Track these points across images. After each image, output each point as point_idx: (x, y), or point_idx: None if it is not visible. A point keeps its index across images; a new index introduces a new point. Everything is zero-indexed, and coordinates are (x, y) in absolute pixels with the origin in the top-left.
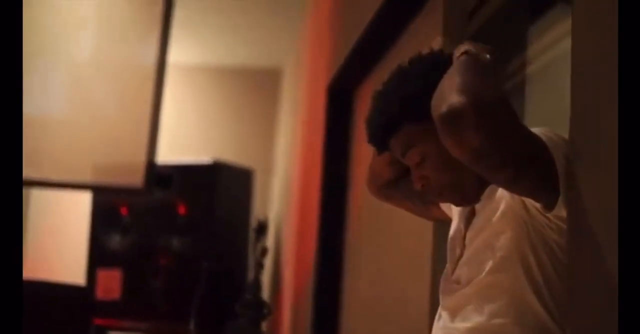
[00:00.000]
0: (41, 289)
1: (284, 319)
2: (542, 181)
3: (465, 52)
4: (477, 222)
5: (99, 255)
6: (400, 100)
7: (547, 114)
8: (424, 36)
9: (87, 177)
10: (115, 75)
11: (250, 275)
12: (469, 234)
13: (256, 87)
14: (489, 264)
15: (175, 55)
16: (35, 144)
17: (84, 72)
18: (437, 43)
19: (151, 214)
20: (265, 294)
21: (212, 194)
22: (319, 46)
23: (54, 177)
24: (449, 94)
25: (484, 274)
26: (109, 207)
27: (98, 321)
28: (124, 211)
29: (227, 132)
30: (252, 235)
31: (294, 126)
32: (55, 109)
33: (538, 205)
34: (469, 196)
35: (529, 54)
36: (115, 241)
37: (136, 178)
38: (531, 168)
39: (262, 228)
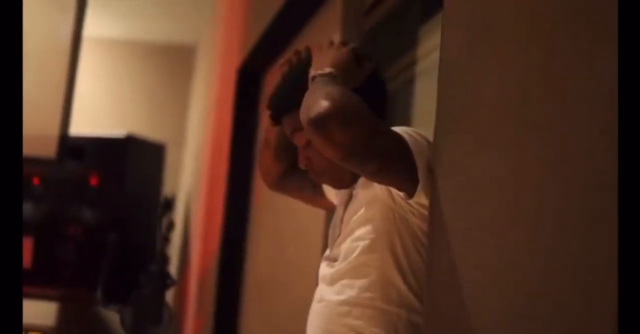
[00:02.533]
0: None
1: (190, 292)
2: (403, 173)
3: (314, 77)
4: (352, 206)
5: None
6: (293, 88)
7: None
8: (326, 28)
9: None
10: (31, 48)
11: (158, 248)
12: (345, 217)
13: (170, 63)
14: (361, 245)
15: (91, 28)
16: None
17: None
18: (336, 37)
19: (63, 185)
20: (173, 267)
21: (124, 167)
22: (232, 28)
23: None
24: (314, 104)
25: (356, 253)
26: (23, 179)
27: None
28: (36, 181)
29: (140, 107)
30: (159, 210)
31: (206, 103)
32: None
33: (402, 194)
34: (345, 180)
35: (419, 52)
36: (26, 209)
37: (49, 149)
38: (392, 162)
39: (168, 204)
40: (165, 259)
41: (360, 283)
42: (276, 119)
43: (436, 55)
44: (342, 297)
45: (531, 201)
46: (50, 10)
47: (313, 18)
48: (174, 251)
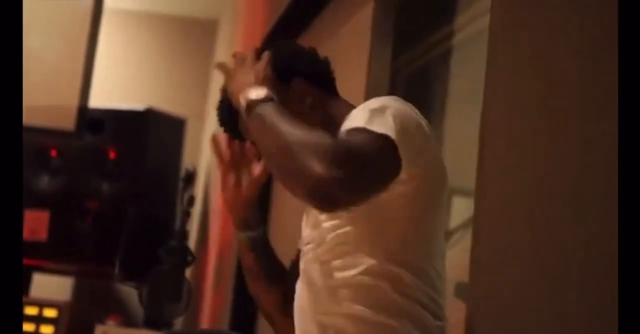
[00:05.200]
0: None
1: (209, 268)
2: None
3: (251, 104)
4: None
5: (26, 195)
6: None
7: (470, 84)
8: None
9: None
10: (50, 18)
11: (178, 223)
12: None
13: (192, 36)
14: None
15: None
16: None
17: None
18: (368, 10)
19: (81, 158)
20: (192, 242)
21: (143, 140)
22: (255, 1)
23: None
24: (296, 163)
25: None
26: (38, 148)
27: (24, 262)
28: (53, 153)
29: (161, 81)
30: (180, 184)
31: None
32: None
33: None
34: None
35: (456, 23)
36: (44, 182)
37: (68, 121)
38: (381, 178)
39: (189, 177)
40: (185, 235)
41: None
42: (231, 129)
43: (475, 25)
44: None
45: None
46: None
47: None
48: (193, 226)
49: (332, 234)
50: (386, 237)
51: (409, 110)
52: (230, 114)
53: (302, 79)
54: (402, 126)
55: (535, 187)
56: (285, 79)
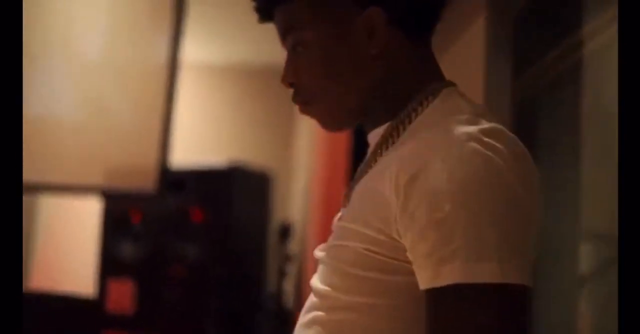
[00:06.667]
0: (49, 300)
1: None
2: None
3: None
4: (352, 201)
5: (109, 265)
6: None
7: (607, 100)
8: (467, 10)
9: (96, 181)
10: (127, 74)
11: (272, 284)
12: (361, 182)
13: (273, 86)
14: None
15: (191, 53)
16: (42, 148)
17: (94, 72)
18: (480, 24)
19: (164, 221)
20: (289, 303)
21: (228, 198)
22: None
23: (63, 182)
24: None
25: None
26: (120, 214)
27: None
28: (135, 217)
29: (244, 134)
30: (273, 240)
31: (314, 126)
32: (64, 111)
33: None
34: (343, 119)
35: (586, 31)
36: (127, 249)
37: (148, 182)
38: None
39: (285, 232)
40: (281, 296)
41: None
42: (266, 11)
43: (610, 32)
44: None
45: None
46: (146, 34)
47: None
48: (288, 286)
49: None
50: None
51: (513, 181)
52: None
53: (381, 11)
54: (517, 238)
55: None
56: (361, 6)
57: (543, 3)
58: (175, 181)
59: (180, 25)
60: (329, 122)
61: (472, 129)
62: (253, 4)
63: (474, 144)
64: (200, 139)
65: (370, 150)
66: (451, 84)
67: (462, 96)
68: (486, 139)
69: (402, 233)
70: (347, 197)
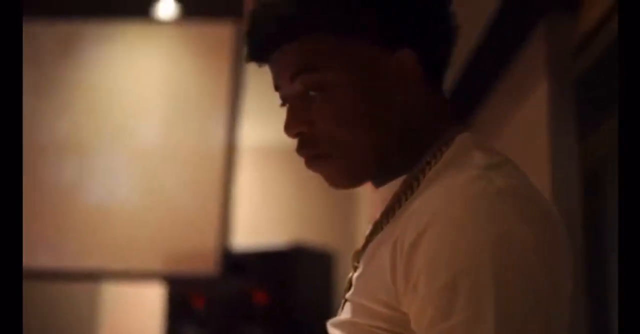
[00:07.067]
0: None
1: None
2: None
3: None
4: (366, 258)
5: None
6: None
7: None
8: (528, 74)
9: (157, 267)
10: (184, 159)
11: None
12: (371, 246)
13: None
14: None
15: (248, 135)
16: (103, 235)
17: (152, 158)
18: (544, 87)
19: (227, 304)
20: None
21: (291, 279)
22: None
23: (124, 268)
24: None
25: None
26: (183, 298)
27: None
28: (198, 302)
29: (304, 213)
30: None
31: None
32: (123, 197)
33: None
34: (358, 174)
35: None
36: None
37: (209, 266)
38: None
39: None
40: None
41: None
42: (268, 50)
43: None
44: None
45: None
46: (202, 118)
47: (513, 62)
48: None
49: None
50: None
51: (523, 249)
52: (277, 24)
53: (411, 52)
54: (523, 312)
55: None
56: (390, 47)
57: (605, 64)
58: (237, 264)
59: (236, 109)
60: (343, 178)
61: (480, 187)
62: (250, 39)
63: (479, 206)
64: (261, 220)
65: (381, 208)
66: (465, 128)
67: (477, 143)
68: (495, 199)
69: (408, 306)
70: (358, 257)
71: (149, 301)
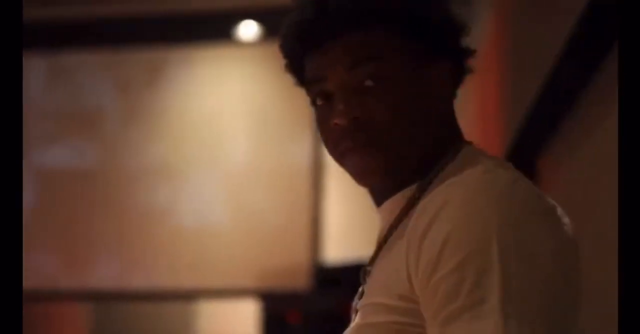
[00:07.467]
0: None
1: None
2: None
3: None
4: (381, 260)
5: None
6: None
7: None
8: (601, 102)
9: (250, 284)
10: (273, 177)
11: None
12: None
13: None
14: None
15: None
16: (197, 256)
17: (239, 177)
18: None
19: (323, 319)
20: None
21: None
22: (485, 126)
23: (219, 286)
24: None
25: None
26: (278, 314)
27: None
28: (293, 317)
29: None
30: None
31: None
32: (213, 217)
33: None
34: (389, 169)
35: None
36: None
37: (302, 281)
38: None
39: None
40: None
41: None
42: (327, 34)
43: None
44: None
45: None
46: (287, 137)
47: (584, 90)
48: None
49: None
50: None
51: (529, 236)
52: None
53: (449, 64)
54: (529, 298)
55: None
56: (437, 55)
57: None
58: (331, 278)
59: None
60: (375, 171)
61: (491, 178)
62: (308, 25)
63: (490, 194)
64: (352, 233)
65: (387, 219)
66: (468, 142)
67: (481, 151)
68: (505, 190)
69: (419, 290)
70: (366, 273)
71: (243, 318)
